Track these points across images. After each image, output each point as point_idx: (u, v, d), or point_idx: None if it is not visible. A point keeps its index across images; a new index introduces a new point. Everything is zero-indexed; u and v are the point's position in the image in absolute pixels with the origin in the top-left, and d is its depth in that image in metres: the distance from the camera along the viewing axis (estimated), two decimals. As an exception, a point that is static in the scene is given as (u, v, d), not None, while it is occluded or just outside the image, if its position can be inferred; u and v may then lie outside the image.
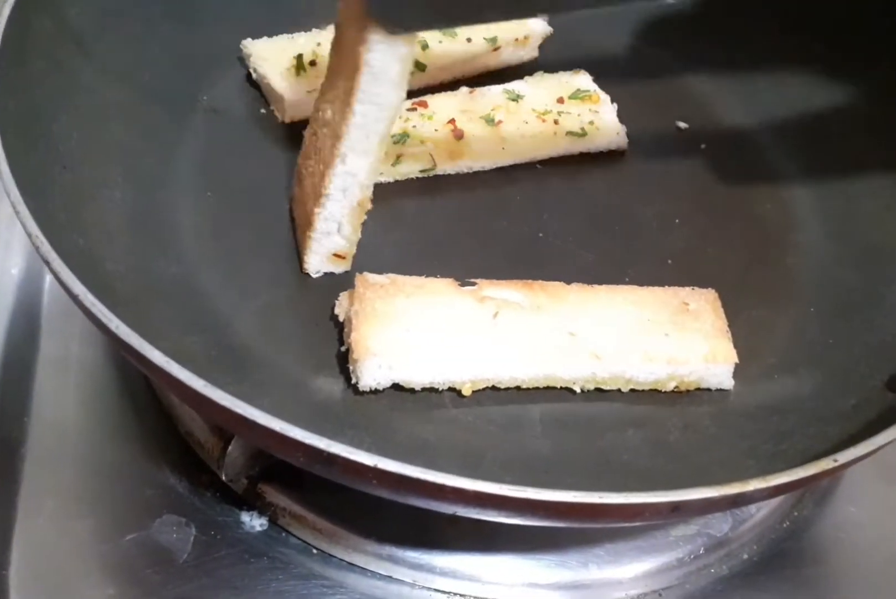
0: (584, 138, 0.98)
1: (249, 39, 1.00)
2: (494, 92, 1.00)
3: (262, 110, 0.99)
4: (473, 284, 0.83)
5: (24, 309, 0.94)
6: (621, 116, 1.00)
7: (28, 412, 0.86)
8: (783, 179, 0.99)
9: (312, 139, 0.81)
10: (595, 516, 0.63)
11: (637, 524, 0.76)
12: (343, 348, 0.79)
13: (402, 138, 0.94)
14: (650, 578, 0.82)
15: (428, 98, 0.98)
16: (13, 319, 0.93)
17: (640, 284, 0.86)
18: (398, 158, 0.93)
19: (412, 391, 0.78)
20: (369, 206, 0.83)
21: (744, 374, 0.82)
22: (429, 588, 0.79)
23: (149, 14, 0.98)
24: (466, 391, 0.79)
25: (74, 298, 0.66)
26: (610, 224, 0.94)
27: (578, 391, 0.80)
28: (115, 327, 0.63)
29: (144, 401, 0.87)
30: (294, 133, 0.96)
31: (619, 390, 0.81)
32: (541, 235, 0.92)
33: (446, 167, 0.95)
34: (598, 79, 1.02)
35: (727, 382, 0.81)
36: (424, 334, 0.78)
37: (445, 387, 0.79)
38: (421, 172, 0.94)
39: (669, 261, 0.91)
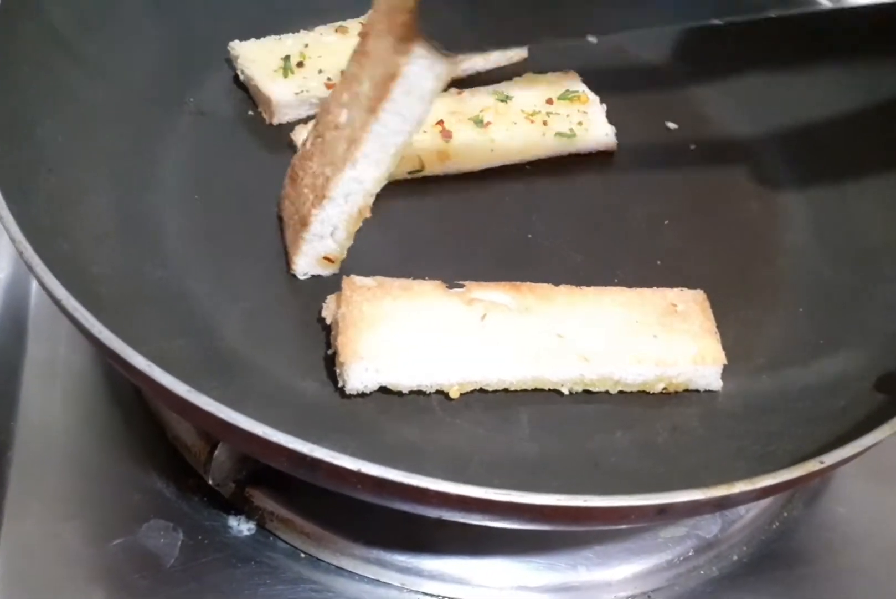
0: (573, 139, 0.98)
1: (237, 41, 1.00)
2: (483, 93, 1.00)
3: (250, 112, 0.99)
4: (461, 286, 0.82)
5: (11, 312, 0.94)
6: (610, 117, 1.00)
7: (14, 415, 0.86)
8: (772, 179, 0.99)
9: (317, 141, 0.80)
10: (580, 519, 0.63)
11: (623, 527, 0.76)
12: (330, 352, 0.79)
13: (390, 140, 0.94)
14: (639, 580, 0.82)
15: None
16: (0, 322, 0.93)
17: (629, 285, 0.86)
18: (386, 160, 0.93)
19: (400, 394, 0.78)
20: (368, 214, 0.83)
21: (732, 375, 0.82)
22: (417, 592, 0.79)
23: (135, 16, 0.98)
24: (454, 394, 0.79)
25: (57, 302, 0.66)
26: (599, 225, 0.94)
27: (567, 393, 0.80)
28: (97, 331, 0.63)
29: (132, 405, 0.87)
30: (282, 135, 0.96)
31: (607, 391, 0.80)
32: (529, 236, 0.92)
33: (435, 169, 0.95)
34: (588, 80, 1.02)
35: (715, 383, 0.81)
36: (412, 336, 0.78)
37: (433, 390, 0.78)
38: (409, 173, 0.94)
39: (658, 262, 0.91)
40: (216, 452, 0.75)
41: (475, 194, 0.95)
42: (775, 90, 1.04)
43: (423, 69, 0.72)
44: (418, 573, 0.80)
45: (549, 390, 0.80)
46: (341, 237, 0.83)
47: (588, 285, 0.84)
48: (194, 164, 0.92)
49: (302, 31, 1.02)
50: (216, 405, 0.60)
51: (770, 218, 0.96)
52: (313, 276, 0.86)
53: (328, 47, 1.00)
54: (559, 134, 0.97)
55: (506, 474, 0.73)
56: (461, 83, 1.03)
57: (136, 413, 0.87)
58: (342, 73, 0.78)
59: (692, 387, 0.81)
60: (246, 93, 1.00)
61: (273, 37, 1.01)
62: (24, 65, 0.84)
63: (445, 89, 0.98)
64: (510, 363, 0.79)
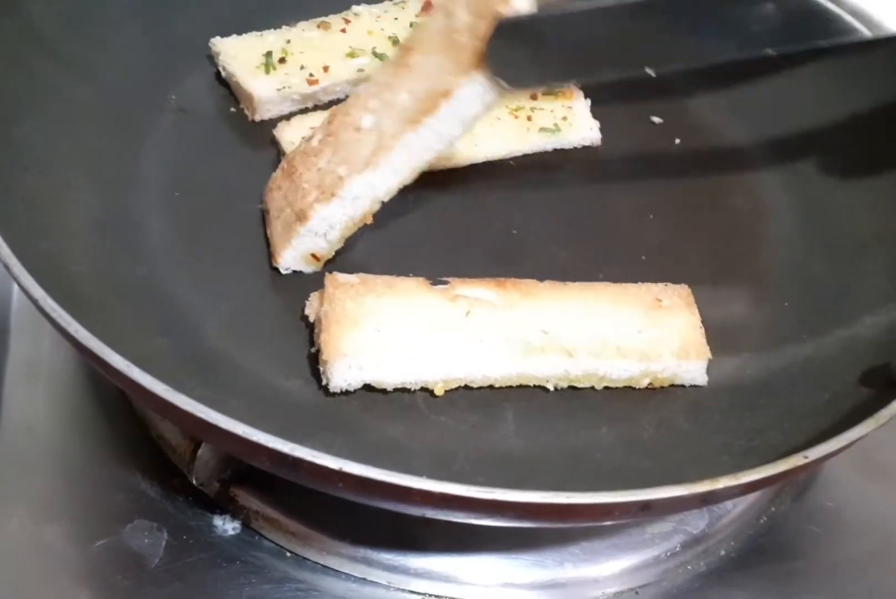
0: (558, 134, 0.97)
1: (218, 37, 0.99)
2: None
3: (232, 109, 0.98)
4: (445, 282, 0.82)
5: (-7, 312, 0.93)
6: (595, 112, 0.99)
7: (-4, 415, 0.85)
8: (757, 174, 0.99)
9: (328, 140, 0.80)
10: (564, 516, 0.63)
11: (608, 523, 0.76)
12: (313, 350, 0.78)
13: (373, 136, 0.93)
14: (627, 576, 0.82)
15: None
16: (-18, 322, 0.92)
17: (614, 280, 0.85)
18: (369, 156, 0.92)
19: (384, 391, 0.77)
20: (370, 221, 0.82)
21: (717, 370, 0.81)
22: (404, 590, 0.79)
23: (115, 13, 0.97)
24: (439, 391, 0.78)
25: (34, 302, 0.65)
26: (584, 221, 0.94)
27: (552, 389, 0.80)
28: (74, 330, 0.62)
29: (115, 405, 0.86)
30: (264, 131, 0.95)
31: (592, 387, 0.80)
32: (514, 232, 0.92)
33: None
34: (572, 75, 1.01)
35: (700, 378, 0.81)
36: (395, 333, 0.78)
37: (417, 387, 0.78)
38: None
39: (643, 257, 0.91)
40: (200, 451, 0.74)
41: (459, 191, 0.94)
42: (760, 84, 1.04)
43: (475, 95, 0.75)
44: (405, 571, 0.79)
45: (535, 386, 0.79)
46: (334, 238, 0.83)
47: (573, 280, 0.84)
48: (176, 161, 0.92)
49: (284, 26, 1.01)
50: (194, 405, 0.60)
51: (755, 212, 0.96)
52: (296, 273, 0.85)
53: (310, 43, 1.00)
54: (543, 129, 0.97)
55: (491, 471, 0.73)
56: (445, 78, 1.03)
57: (119, 413, 0.86)
58: (378, 78, 0.79)
59: (678, 382, 0.81)
60: (228, 89, 0.99)
61: (254, 33, 1.00)
62: (2, 63, 0.84)
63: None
64: (495, 360, 0.78)
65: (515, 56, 0.72)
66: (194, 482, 0.76)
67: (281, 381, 0.78)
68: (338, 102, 0.99)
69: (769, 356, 0.84)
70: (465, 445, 0.76)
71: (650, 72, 0.70)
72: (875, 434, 0.70)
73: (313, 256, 0.84)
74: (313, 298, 0.81)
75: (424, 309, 0.80)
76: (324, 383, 0.76)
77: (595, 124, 0.99)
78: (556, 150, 0.98)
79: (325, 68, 0.98)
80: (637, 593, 0.81)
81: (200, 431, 0.64)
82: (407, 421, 0.77)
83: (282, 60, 0.98)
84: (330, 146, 0.80)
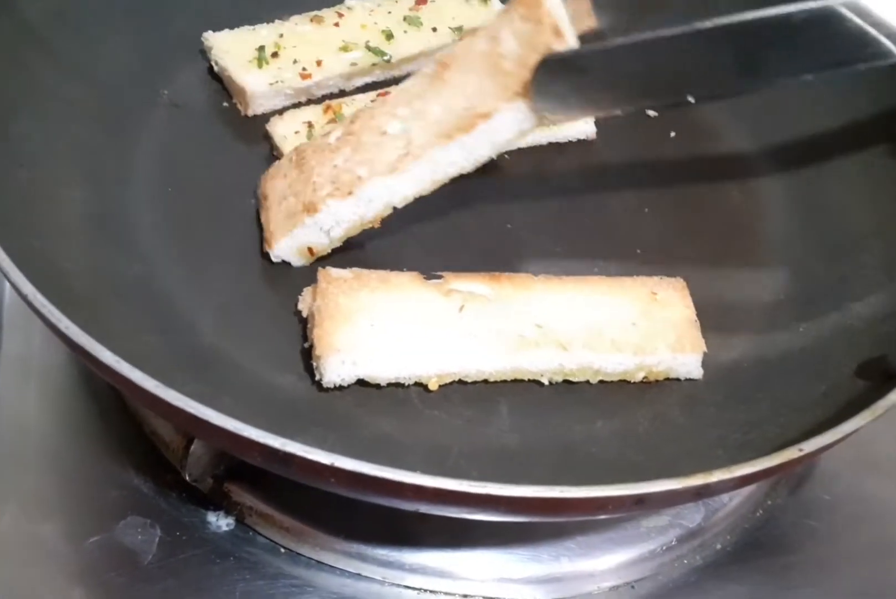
0: (553, 128, 0.97)
1: (210, 32, 0.99)
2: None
3: (225, 104, 0.98)
4: (439, 277, 0.82)
5: (-16, 307, 0.93)
6: (589, 105, 0.98)
7: (-11, 412, 0.85)
8: (753, 167, 0.99)
9: (348, 139, 0.81)
10: (558, 510, 0.63)
11: (602, 517, 0.75)
12: (307, 345, 0.78)
13: (366, 130, 0.93)
14: (623, 570, 0.82)
15: (393, 89, 0.97)
16: (-26, 318, 0.92)
17: (610, 274, 0.85)
18: (363, 151, 0.92)
19: (377, 386, 0.77)
20: (377, 225, 0.82)
21: (713, 363, 0.81)
22: (399, 585, 0.78)
23: (107, 8, 0.96)
24: (433, 386, 0.78)
25: (24, 298, 0.65)
26: (578, 214, 0.93)
27: (546, 383, 0.79)
28: (64, 327, 0.62)
29: (108, 401, 0.86)
30: (257, 126, 0.95)
31: (587, 381, 0.80)
32: (509, 226, 0.91)
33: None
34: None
35: (696, 371, 0.81)
36: (389, 328, 0.77)
37: (411, 382, 0.78)
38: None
39: (638, 250, 0.90)
40: (192, 447, 0.74)
41: (452, 184, 0.93)
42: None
43: (514, 121, 0.76)
44: (400, 566, 0.79)
45: (529, 380, 0.79)
46: (336, 235, 0.82)
47: (567, 274, 0.84)
48: (168, 157, 0.91)
49: (276, 20, 1.00)
50: (185, 400, 0.59)
51: (750, 205, 0.95)
52: (289, 268, 0.84)
53: (303, 37, 0.99)
54: (538, 123, 0.97)
55: (485, 465, 0.73)
56: (439, 72, 1.02)
57: (112, 409, 0.86)
58: (406, 88, 0.80)
59: (673, 376, 0.81)
60: (220, 84, 0.98)
61: (247, 27, 1.00)
62: (-5, 60, 0.84)
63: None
64: (489, 354, 0.78)
65: (559, 87, 0.73)
66: (187, 478, 0.76)
67: (274, 376, 0.78)
68: (331, 96, 0.99)
69: (765, 349, 0.83)
70: (459, 440, 0.76)
71: (690, 99, 0.71)
72: (872, 427, 0.69)
73: (309, 249, 0.83)
74: (306, 293, 0.80)
75: (418, 304, 0.79)
76: (317, 378, 0.76)
77: (590, 118, 0.98)
78: (551, 143, 0.98)
79: (318, 62, 0.98)
80: (633, 587, 0.81)
81: (192, 427, 0.64)
82: (401, 416, 0.77)
83: (274, 55, 0.97)
84: (349, 145, 0.80)
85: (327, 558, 0.79)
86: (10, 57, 0.86)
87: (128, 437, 0.84)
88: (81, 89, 0.91)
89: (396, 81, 1.00)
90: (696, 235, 0.92)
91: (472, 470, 0.72)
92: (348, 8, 1.03)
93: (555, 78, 0.73)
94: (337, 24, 1.01)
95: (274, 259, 0.83)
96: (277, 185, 0.84)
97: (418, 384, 0.78)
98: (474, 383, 0.79)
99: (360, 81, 1.01)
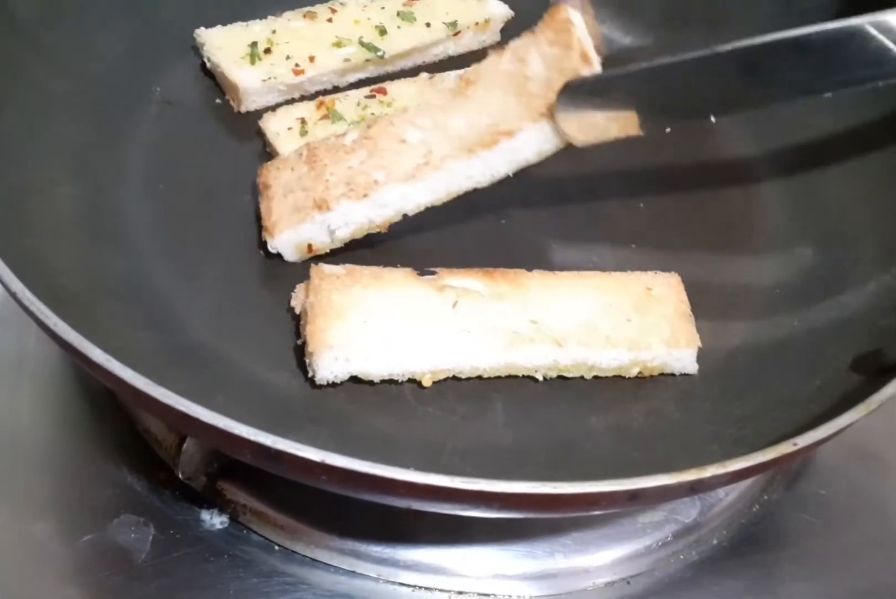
0: (547, 122, 0.96)
1: (203, 28, 0.98)
2: (455, 77, 0.98)
3: (217, 100, 0.97)
4: (433, 273, 0.81)
5: (-22, 306, 0.92)
6: (583, 100, 0.98)
7: (-18, 411, 0.85)
8: (748, 162, 0.98)
9: (366, 142, 0.82)
10: (551, 506, 0.62)
11: (597, 513, 0.75)
12: (299, 342, 0.78)
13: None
14: (618, 566, 0.81)
15: (387, 85, 0.97)
16: (-33, 316, 0.91)
17: (604, 269, 0.85)
18: (356, 147, 0.91)
19: (371, 383, 0.77)
20: (384, 230, 0.83)
21: (708, 358, 0.81)
22: (393, 582, 0.78)
23: (98, 4, 0.96)
24: (427, 383, 0.78)
25: (13, 295, 0.64)
26: (573, 209, 0.93)
27: (541, 379, 0.79)
28: (53, 324, 0.62)
29: (101, 399, 0.86)
30: (250, 122, 0.94)
31: (582, 377, 0.80)
32: (503, 221, 0.91)
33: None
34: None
35: (691, 366, 0.80)
36: (382, 324, 0.77)
37: (405, 379, 0.77)
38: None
39: (633, 245, 0.90)
40: (185, 445, 0.74)
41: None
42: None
43: (536, 141, 0.78)
44: (394, 563, 0.79)
45: (523, 376, 0.79)
46: (341, 236, 0.83)
47: (562, 270, 0.83)
48: (161, 153, 0.91)
49: (269, 16, 1.00)
50: (175, 398, 0.59)
51: (746, 200, 0.95)
52: (282, 264, 0.84)
53: (296, 33, 0.99)
54: (532, 117, 0.96)
55: (480, 462, 0.73)
56: (432, 67, 1.02)
57: (105, 407, 0.85)
58: (428, 100, 0.82)
59: (668, 371, 0.80)
60: (213, 81, 0.98)
61: (240, 23, 0.99)
62: (-18, 56, 0.83)
63: (415, 74, 0.99)
64: (483, 350, 0.78)
65: (582, 109, 0.76)
66: (180, 476, 0.76)
67: (267, 374, 0.77)
68: (324, 92, 0.99)
69: (760, 344, 0.83)
70: (453, 436, 0.75)
71: (712, 119, 0.74)
72: (868, 422, 0.69)
73: (308, 246, 0.83)
74: (299, 289, 0.80)
75: (412, 300, 0.79)
76: (310, 375, 0.76)
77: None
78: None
79: (311, 58, 0.98)
80: (629, 583, 0.81)
81: (183, 424, 0.64)
82: (395, 413, 0.76)
83: (267, 51, 0.97)
84: (366, 149, 0.82)
85: (321, 555, 0.79)
86: (-1, 54, 0.86)
87: (121, 435, 0.83)
88: (73, 86, 0.91)
89: (390, 76, 1.01)
90: (691, 230, 0.92)
91: (467, 467, 0.72)
92: (341, 3, 1.03)
93: (579, 101, 0.75)
94: (330, 20, 1.01)
95: (270, 249, 0.83)
96: (283, 177, 0.84)
97: (412, 381, 0.78)
98: (468, 379, 0.78)
99: (353, 77, 1.00)
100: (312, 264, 0.80)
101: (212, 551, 0.77)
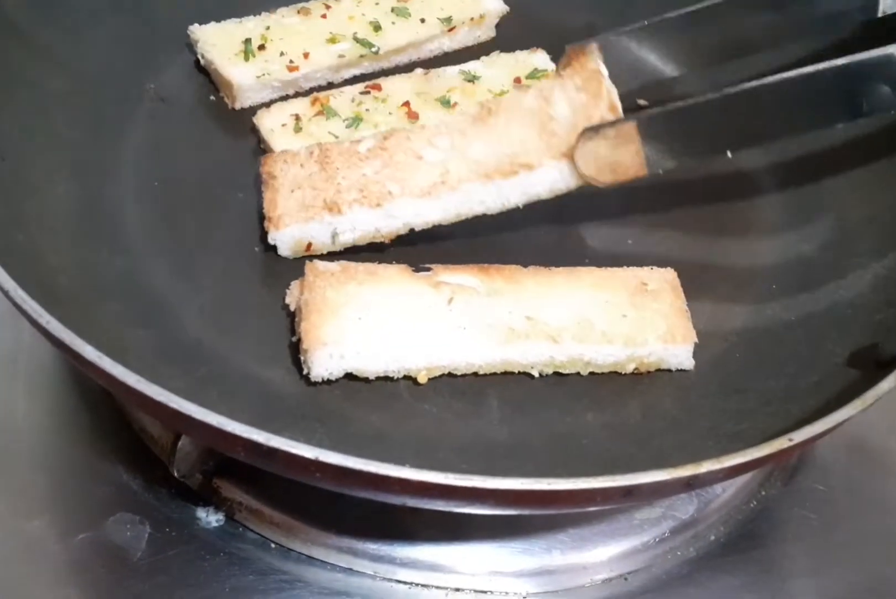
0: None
1: (196, 25, 0.98)
2: (450, 73, 0.98)
3: (212, 97, 0.97)
4: (428, 269, 0.81)
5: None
6: (579, 95, 0.98)
7: (-24, 409, 0.84)
8: (745, 157, 0.97)
9: (381, 153, 0.83)
10: (546, 502, 0.62)
11: (592, 509, 0.75)
12: (294, 339, 0.77)
13: (354, 123, 0.92)
14: (616, 562, 0.81)
15: (381, 81, 0.97)
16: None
17: (600, 265, 0.84)
18: (351, 143, 0.91)
19: (366, 380, 0.77)
20: (387, 240, 0.83)
21: (704, 354, 0.81)
22: (390, 580, 0.78)
23: (93, 1, 0.95)
24: (422, 379, 0.77)
25: (5, 293, 0.64)
26: (568, 205, 0.92)
27: (537, 375, 0.79)
28: (45, 322, 0.62)
29: (97, 397, 0.85)
30: (244, 119, 0.94)
31: (578, 373, 0.79)
32: (498, 218, 0.90)
33: (401, 151, 0.93)
34: (556, 57, 1.00)
35: (687, 362, 0.80)
36: (377, 321, 0.77)
37: (400, 375, 0.77)
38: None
39: (629, 241, 0.90)
40: (180, 443, 0.74)
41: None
42: (748, 68, 1.02)
43: (552, 179, 0.81)
44: (391, 560, 0.78)
45: (519, 372, 0.79)
46: (344, 240, 0.83)
47: (558, 265, 0.83)
48: (155, 151, 0.91)
49: (263, 13, 1.00)
50: (167, 395, 0.59)
51: (743, 195, 0.95)
52: (277, 262, 0.84)
53: (290, 29, 0.98)
54: (527, 113, 0.96)
55: (475, 459, 0.73)
56: (427, 63, 1.02)
57: (101, 405, 0.85)
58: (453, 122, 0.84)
59: (664, 367, 0.80)
60: (207, 78, 0.98)
61: (233, 20, 0.99)
62: (-25, 53, 0.83)
63: (410, 69, 0.99)
64: (479, 347, 0.77)
65: (601, 151, 0.79)
66: (176, 474, 0.76)
67: (262, 371, 0.77)
68: (319, 88, 0.98)
69: (756, 339, 0.83)
70: (448, 433, 0.75)
71: (728, 155, 0.78)
72: (865, 417, 0.69)
73: (308, 244, 0.83)
74: (294, 286, 0.80)
75: (407, 296, 0.79)
76: (305, 372, 0.75)
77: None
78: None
79: (306, 55, 0.97)
80: (626, 579, 0.81)
81: (176, 422, 0.63)
82: (390, 410, 0.76)
83: (261, 47, 0.97)
84: (380, 160, 0.83)
85: (318, 553, 0.78)
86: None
87: (116, 433, 0.83)
88: (66, 83, 0.91)
89: (385, 72, 1.00)
90: (688, 224, 0.92)
91: (462, 463, 0.72)
92: (335, -1, 1.03)
93: (596, 142, 0.78)
94: (324, 16, 1.01)
95: (269, 240, 0.82)
96: (290, 171, 0.84)
97: (407, 378, 0.77)
98: (464, 375, 0.78)
99: (347, 73, 1.00)
100: (307, 261, 0.80)
101: (208, 549, 0.77)
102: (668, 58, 1.02)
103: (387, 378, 0.77)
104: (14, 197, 0.79)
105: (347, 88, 0.96)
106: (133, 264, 0.82)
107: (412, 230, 0.84)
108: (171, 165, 0.90)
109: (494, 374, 0.79)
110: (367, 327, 0.76)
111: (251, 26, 0.98)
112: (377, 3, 1.03)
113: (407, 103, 0.94)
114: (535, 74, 0.99)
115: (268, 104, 0.95)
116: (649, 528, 0.82)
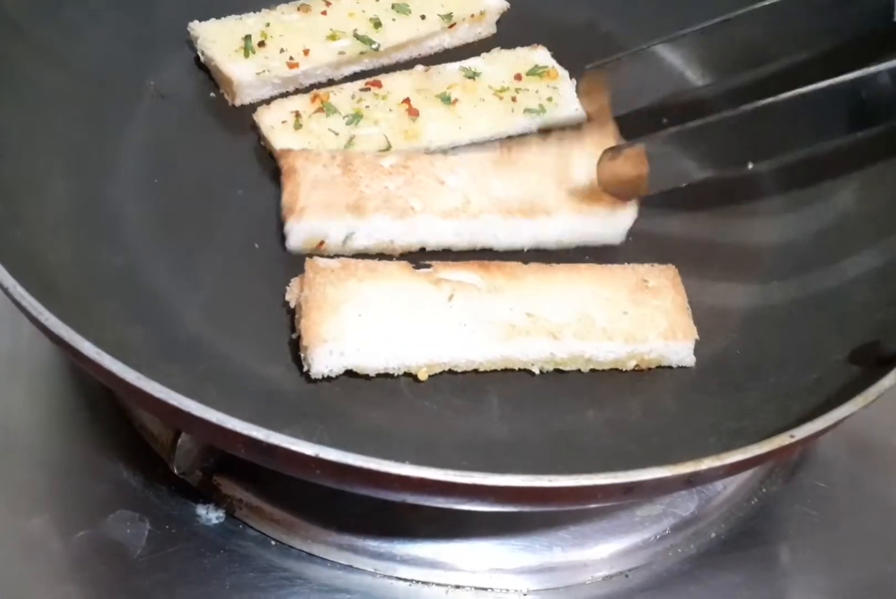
0: (543, 115, 0.96)
1: (196, 21, 0.98)
2: (450, 70, 0.98)
3: (212, 94, 0.97)
4: (428, 266, 0.81)
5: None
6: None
7: (-23, 405, 0.84)
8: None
9: (405, 171, 0.86)
10: (546, 499, 0.62)
11: (593, 506, 0.75)
12: (294, 336, 0.77)
13: (354, 119, 0.92)
14: (616, 559, 0.81)
15: (382, 77, 0.97)
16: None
17: (601, 261, 0.84)
18: (351, 140, 0.91)
19: (366, 377, 0.77)
20: (396, 254, 0.84)
21: (705, 350, 0.81)
22: (390, 577, 0.78)
23: (91, -2, 0.95)
24: (422, 376, 0.77)
25: (5, 290, 0.64)
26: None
27: (537, 372, 0.79)
28: (44, 319, 0.62)
29: (97, 394, 0.85)
30: (244, 116, 0.94)
31: (578, 370, 0.79)
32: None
33: (402, 147, 0.92)
34: (557, 54, 1.00)
35: (688, 359, 0.80)
36: (377, 318, 0.77)
37: (401, 372, 0.77)
38: (376, 153, 0.92)
39: (630, 238, 0.89)
40: (180, 440, 0.73)
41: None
42: (747, 61, 1.02)
43: (564, 229, 0.85)
44: (391, 557, 0.78)
45: (520, 369, 0.79)
46: (354, 245, 0.83)
47: (558, 262, 0.83)
48: (155, 148, 0.91)
49: (263, 9, 1.00)
50: (167, 392, 0.59)
51: (742, 191, 0.94)
52: (277, 259, 0.84)
53: (290, 26, 0.98)
54: (528, 110, 0.96)
55: (475, 456, 0.72)
56: (428, 60, 1.01)
57: (101, 402, 0.85)
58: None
59: (665, 364, 0.80)
60: (207, 74, 0.98)
61: (233, 16, 0.99)
62: (-26, 50, 0.83)
63: (411, 66, 0.99)
64: (479, 344, 0.77)
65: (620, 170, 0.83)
66: (176, 471, 0.76)
67: (262, 368, 0.77)
68: (319, 85, 0.98)
69: (758, 336, 0.83)
70: (449, 430, 0.75)
71: (749, 167, 0.81)
72: (867, 414, 0.68)
73: (321, 242, 0.83)
74: (294, 283, 0.80)
75: (407, 293, 0.79)
76: (305, 369, 0.75)
77: (580, 104, 0.97)
78: (541, 130, 0.97)
79: (306, 51, 0.97)
80: (627, 576, 0.80)
81: (175, 419, 0.63)
82: (390, 407, 0.76)
83: (261, 44, 0.96)
84: (404, 177, 0.85)
85: (318, 550, 0.78)
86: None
87: (116, 431, 0.83)
88: (66, 80, 0.91)
89: (385, 69, 1.00)
90: (689, 221, 0.92)
91: (463, 460, 0.71)
92: (336, -4, 1.02)
93: (617, 164, 0.83)
94: (324, 13, 1.00)
95: (286, 228, 0.82)
96: (312, 168, 0.84)
97: (408, 375, 0.77)
98: (464, 372, 0.78)
99: (348, 70, 1.00)
100: (307, 258, 0.80)
101: (208, 546, 0.77)
102: (691, 69, 1.03)
103: (387, 375, 0.77)
104: (14, 194, 0.79)
105: (347, 85, 0.96)
106: (132, 261, 0.82)
107: (422, 249, 0.85)
108: (170, 162, 0.90)
109: (495, 371, 0.78)
110: (367, 324, 0.76)
111: (251, 23, 0.98)
112: (377, 0, 1.02)
113: (407, 100, 0.94)
114: (535, 71, 0.99)
115: (268, 101, 0.94)
116: (650, 525, 0.82)
